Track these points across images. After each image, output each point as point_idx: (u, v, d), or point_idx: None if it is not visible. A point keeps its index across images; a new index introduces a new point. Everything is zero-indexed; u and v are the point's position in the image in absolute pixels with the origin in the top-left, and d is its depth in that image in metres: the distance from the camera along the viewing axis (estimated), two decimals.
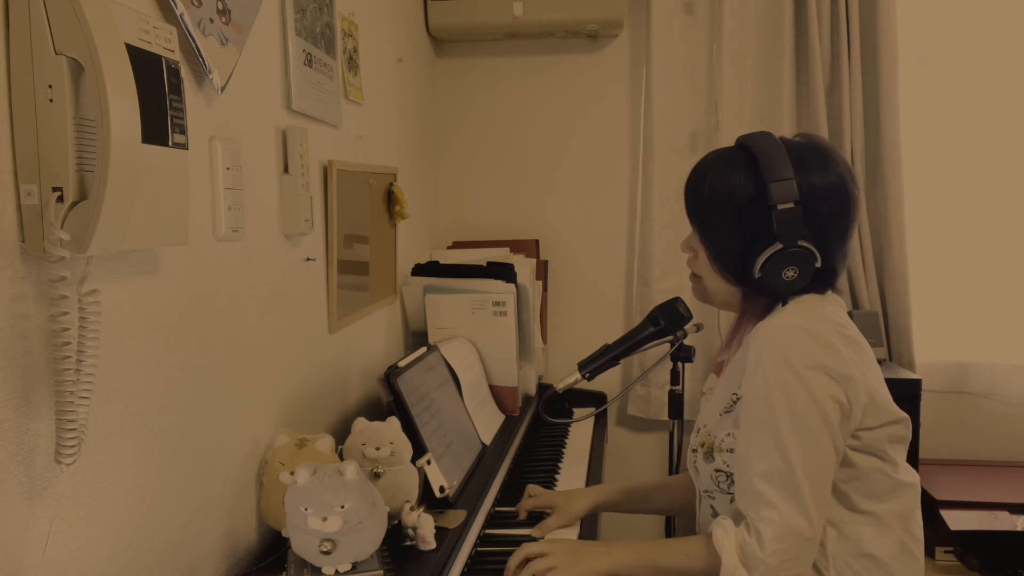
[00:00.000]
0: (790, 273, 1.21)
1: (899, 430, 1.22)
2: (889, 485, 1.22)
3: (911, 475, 1.26)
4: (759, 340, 1.18)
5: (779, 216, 1.20)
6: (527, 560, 1.27)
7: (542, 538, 1.49)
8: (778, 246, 1.20)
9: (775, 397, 1.15)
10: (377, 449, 1.33)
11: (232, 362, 1.23)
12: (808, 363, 1.14)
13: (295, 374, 1.46)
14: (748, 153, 1.25)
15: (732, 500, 1.24)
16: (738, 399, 1.24)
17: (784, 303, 1.25)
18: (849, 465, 1.20)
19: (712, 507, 1.30)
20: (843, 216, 1.24)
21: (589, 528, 1.55)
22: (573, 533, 1.52)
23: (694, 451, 1.34)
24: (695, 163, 1.33)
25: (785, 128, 2.36)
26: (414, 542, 1.28)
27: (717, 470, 1.27)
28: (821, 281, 1.25)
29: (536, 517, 1.55)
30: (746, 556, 1.16)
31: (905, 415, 1.23)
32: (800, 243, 1.20)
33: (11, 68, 0.78)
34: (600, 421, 2.28)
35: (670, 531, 1.85)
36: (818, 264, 1.22)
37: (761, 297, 1.28)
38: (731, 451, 1.25)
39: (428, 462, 1.45)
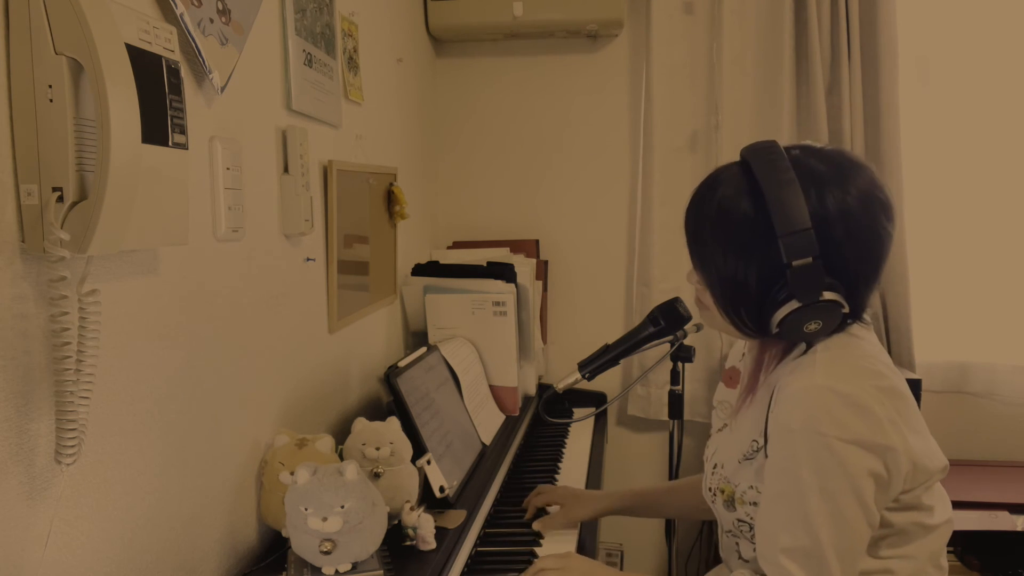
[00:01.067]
0: (813, 326, 1.07)
1: (936, 479, 1.14)
2: (921, 533, 1.15)
3: (944, 512, 1.17)
4: (787, 404, 1.06)
5: (796, 275, 1.04)
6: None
7: (542, 533, 1.49)
8: (796, 304, 1.05)
9: (805, 472, 1.03)
10: (377, 449, 1.33)
11: (232, 362, 1.23)
12: (843, 436, 1.02)
13: (295, 374, 1.46)
14: (753, 179, 1.08)
15: (755, 548, 1.16)
16: (759, 448, 1.15)
17: (808, 347, 1.12)
18: (886, 525, 1.11)
19: (737, 545, 1.26)
20: (873, 257, 1.09)
21: (589, 528, 1.55)
22: (573, 534, 1.52)
23: (711, 491, 1.27)
24: (696, 187, 1.16)
25: (785, 128, 2.36)
26: (414, 542, 1.28)
27: (739, 520, 1.20)
28: (847, 320, 1.12)
29: (538, 515, 1.55)
30: None
31: (946, 462, 1.15)
32: (824, 296, 1.05)
33: (11, 68, 0.78)
34: (600, 421, 2.28)
35: (670, 532, 1.85)
36: (845, 310, 1.08)
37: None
38: (754, 504, 1.16)
39: (428, 462, 1.45)
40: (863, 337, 1.15)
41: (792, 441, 1.05)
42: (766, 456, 1.12)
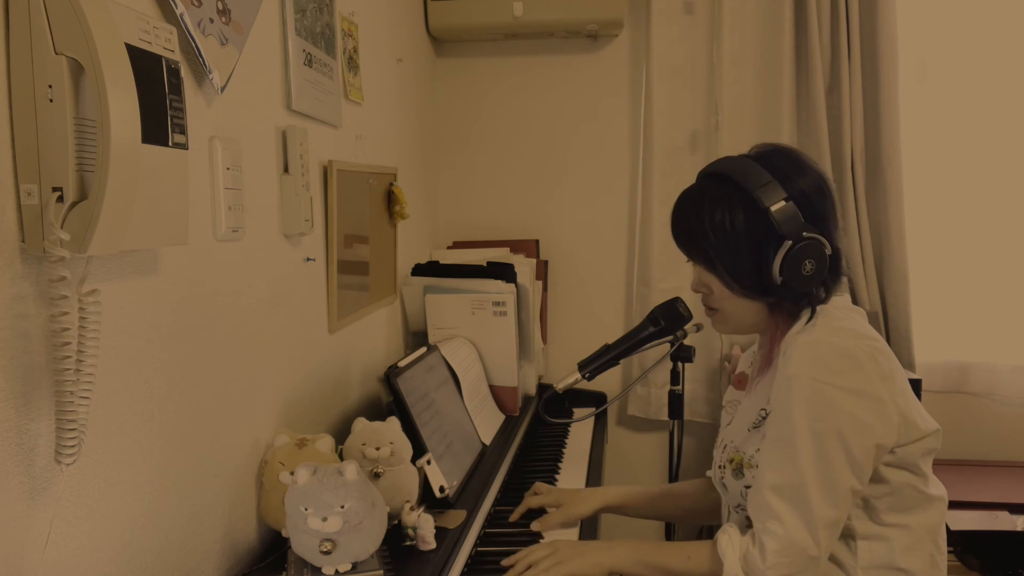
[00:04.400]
0: (808, 266, 1.19)
1: (931, 443, 1.22)
2: (919, 499, 1.22)
3: (939, 488, 1.25)
4: (789, 355, 1.17)
5: (777, 215, 1.18)
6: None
7: (542, 535, 1.49)
8: (788, 243, 1.19)
9: (797, 413, 1.14)
10: (377, 449, 1.33)
11: (232, 362, 1.23)
12: (836, 382, 1.13)
13: (295, 374, 1.46)
14: (720, 178, 1.25)
15: None
16: (767, 415, 1.23)
17: (812, 312, 1.23)
18: (882, 481, 1.19)
19: (748, 519, 1.28)
20: (828, 199, 1.24)
21: (589, 528, 1.55)
22: (573, 533, 1.52)
23: (721, 467, 1.33)
24: (672, 207, 1.30)
25: (785, 128, 2.36)
26: (414, 542, 1.29)
27: (747, 486, 1.25)
28: (834, 270, 1.24)
29: (537, 515, 1.55)
30: (748, 565, 1.16)
31: (937, 426, 1.23)
32: (806, 234, 1.19)
33: (11, 68, 0.78)
34: (600, 421, 2.27)
35: (670, 533, 1.85)
36: (829, 251, 1.21)
37: (786, 304, 1.25)
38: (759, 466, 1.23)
39: (428, 462, 1.46)
40: (858, 314, 1.27)
41: (789, 387, 1.16)
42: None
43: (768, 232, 1.19)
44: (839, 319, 1.22)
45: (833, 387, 1.13)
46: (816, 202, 1.22)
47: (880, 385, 1.15)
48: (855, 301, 2.42)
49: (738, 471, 1.27)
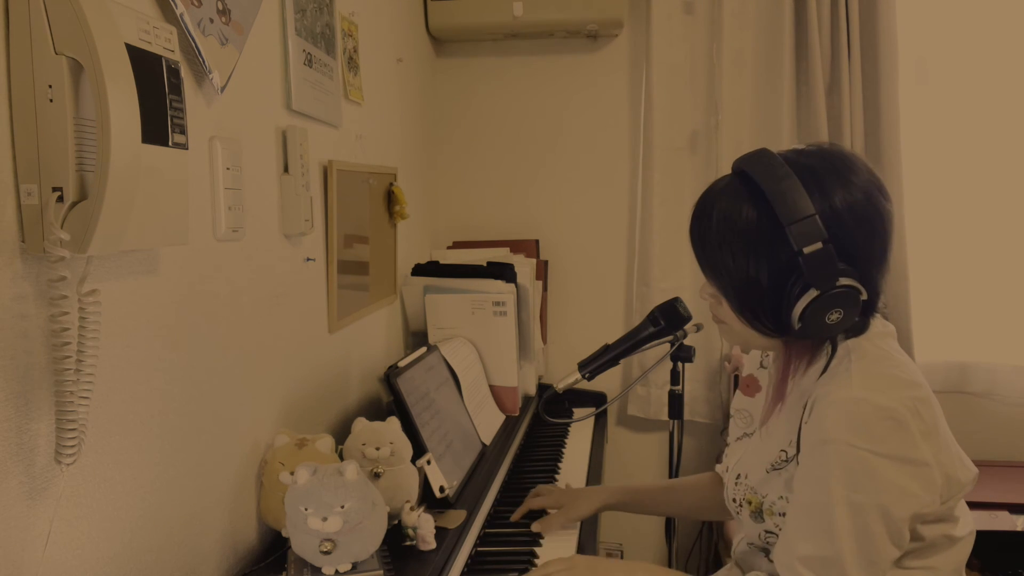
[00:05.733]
0: (835, 316, 1.05)
1: (968, 489, 1.13)
2: (947, 544, 1.14)
3: (968, 525, 1.16)
4: (823, 415, 1.04)
5: (809, 262, 1.03)
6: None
7: (542, 535, 1.49)
8: (815, 293, 1.04)
9: (834, 483, 1.02)
10: (377, 449, 1.33)
11: (232, 362, 1.23)
12: (877, 449, 1.01)
13: (295, 374, 1.46)
14: (751, 183, 1.07)
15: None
16: (789, 459, 1.14)
17: (833, 351, 1.11)
18: (917, 539, 1.10)
19: (765, 550, 1.25)
20: (879, 237, 1.09)
21: (589, 528, 1.55)
22: (573, 533, 1.52)
23: (736, 503, 1.25)
24: (696, 201, 1.15)
25: (785, 128, 2.36)
26: (414, 542, 1.29)
27: (768, 531, 1.20)
28: (868, 310, 1.10)
29: (538, 516, 1.55)
30: None
31: (975, 471, 1.14)
32: (840, 282, 1.04)
33: (11, 68, 0.78)
34: (600, 421, 2.28)
35: (670, 532, 1.85)
36: (864, 297, 1.07)
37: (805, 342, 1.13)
38: (783, 515, 1.15)
39: (428, 462, 1.46)
40: (892, 343, 1.14)
41: (825, 452, 1.03)
42: (797, 464, 1.11)
43: (793, 276, 1.05)
44: (877, 361, 1.09)
45: (875, 455, 1.01)
46: (860, 238, 1.06)
47: (924, 447, 1.03)
48: None
49: (757, 515, 1.20)
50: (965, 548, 1.16)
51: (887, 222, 1.09)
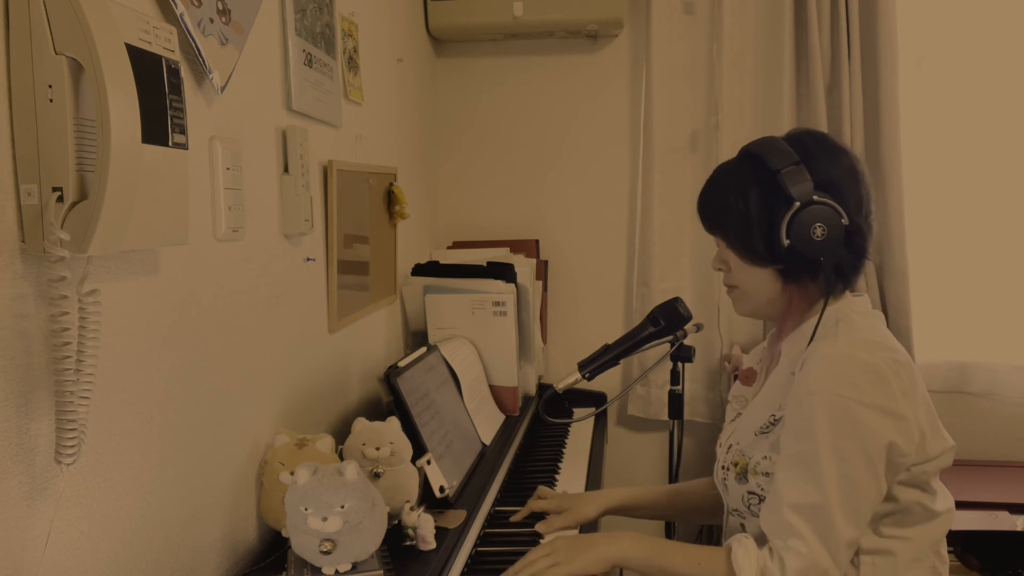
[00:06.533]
0: (819, 231, 1.17)
1: (945, 460, 1.20)
2: (924, 515, 1.20)
3: (947, 501, 1.23)
4: (810, 369, 1.14)
5: (786, 176, 1.18)
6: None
7: (541, 535, 1.49)
8: (796, 204, 1.18)
9: (820, 431, 1.11)
10: (377, 449, 1.33)
11: (232, 362, 1.23)
12: (860, 399, 1.10)
13: (295, 374, 1.46)
14: (749, 154, 1.25)
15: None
16: (776, 421, 1.21)
17: (826, 299, 1.22)
18: (891, 499, 1.17)
19: (742, 526, 1.28)
20: (854, 180, 1.22)
21: (589, 530, 1.55)
22: (572, 534, 1.51)
23: (725, 468, 1.30)
24: (705, 180, 1.33)
25: (785, 128, 2.35)
26: (414, 542, 1.28)
27: (750, 492, 1.24)
28: (854, 249, 1.21)
29: (540, 518, 1.54)
30: None
31: (952, 443, 1.21)
32: (816, 198, 1.17)
33: (11, 68, 0.78)
34: (600, 421, 2.28)
35: (670, 533, 1.85)
36: (845, 221, 1.18)
37: (803, 279, 1.24)
38: (767, 475, 1.21)
39: (428, 462, 1.45)
40: (880, 323, 1.25)
41: (811, 403, 1.12)
42: (784, 424, 1.18)
43: (778, 194, 1.19)
44: (861, 329, 1.19)
45: (858, 403, 1.10)
46: (836, 176, 1.20)
47: (904, 402, 1.12)
48: None
49: (742, 476, 1.25)
50: (943, 525, 1.22)
51: (862, 175, 1.24)
